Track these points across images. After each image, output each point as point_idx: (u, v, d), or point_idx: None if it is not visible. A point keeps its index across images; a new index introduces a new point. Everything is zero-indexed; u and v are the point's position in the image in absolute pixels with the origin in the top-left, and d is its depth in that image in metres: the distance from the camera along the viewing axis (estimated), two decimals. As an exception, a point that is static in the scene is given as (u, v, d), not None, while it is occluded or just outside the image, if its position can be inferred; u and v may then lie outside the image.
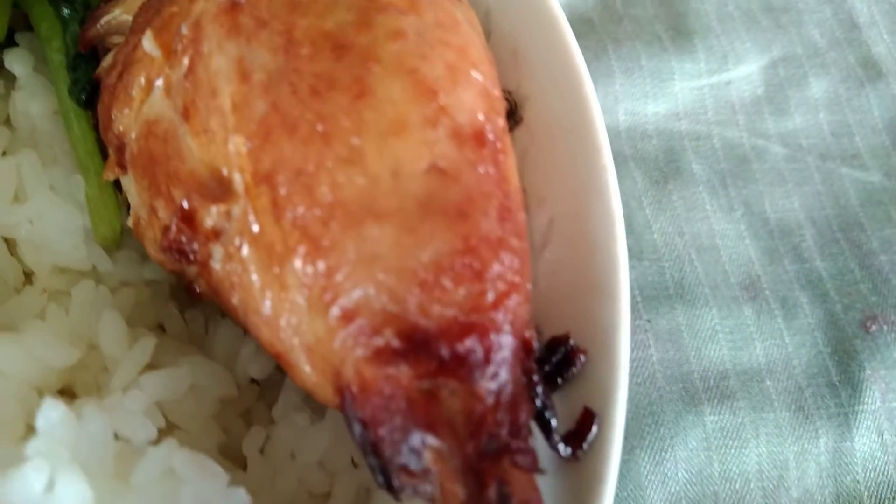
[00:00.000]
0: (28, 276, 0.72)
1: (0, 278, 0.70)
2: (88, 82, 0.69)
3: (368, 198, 0.50)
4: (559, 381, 0.57)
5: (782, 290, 0.99)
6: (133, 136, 0.60)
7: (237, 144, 0.53)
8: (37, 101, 0.73)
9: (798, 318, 0.97)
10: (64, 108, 0.71)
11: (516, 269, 0.52)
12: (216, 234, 0.55)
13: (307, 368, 0.53)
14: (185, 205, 0.55)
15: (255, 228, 0.52)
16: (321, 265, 0.50)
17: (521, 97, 0.68)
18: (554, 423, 0.54)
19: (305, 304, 0.51)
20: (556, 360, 0.57)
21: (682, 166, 1.07)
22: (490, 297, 0.50)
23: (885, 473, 0.91)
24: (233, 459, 0.66)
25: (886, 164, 1.09)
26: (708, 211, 1.04)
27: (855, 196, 1.07)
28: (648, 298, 0.97)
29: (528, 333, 0.52)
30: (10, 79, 0.76)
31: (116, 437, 0.57)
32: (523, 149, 0.66)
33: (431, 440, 0.48)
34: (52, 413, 0.53)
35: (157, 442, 0.58)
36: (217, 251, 0.55)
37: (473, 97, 0.54)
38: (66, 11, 0.75)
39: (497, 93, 0.57)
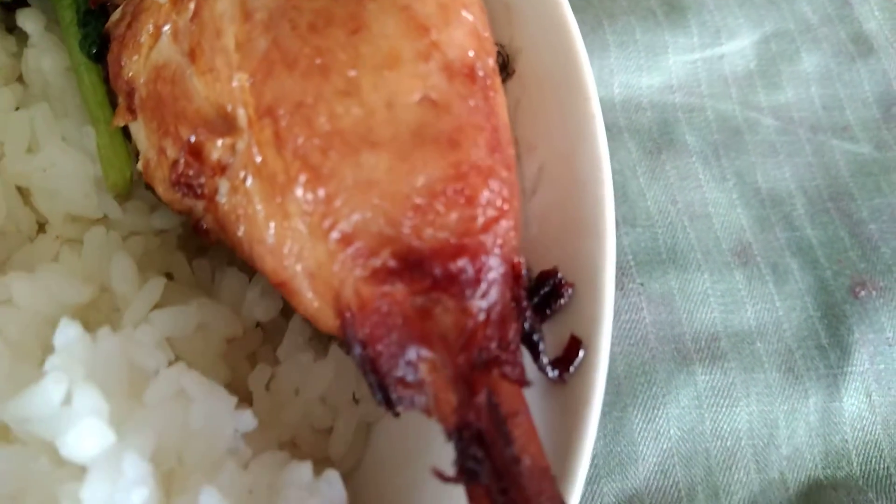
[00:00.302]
0: (41, 227, 0.75)
1: (14, 226, 0.72)
2: (98, 36, 0.71)
3: (365, 127, 0.53)
4: (548, 311, 0.60)
5: (773, 256, 1.01)
6: (142, 80, 0.63)
7: (241, 80, 0.56)
8: (48, 57, 0.76)
9: (788, 283, 0.99)
10: (75, 62, 0.74)
11: (505, 197, 0.54)
12: (222, 169, 0.58)
13: (309, 294, 0.56)
14: (193, 139, 0.58)
15: (259, 160, 0.55)
16: (321, 192, 0.53)
17: (513, 50, 0.71)
18: (542, 345, 0.57)
19: (307, 230, 0.54)
20: (545, 293, 0.60)
21: (676, 137, 1.09)
22: (480, 221, 0.53)
23: (873, 433, 0.93)
24: (239, 397, 0.68)
25: (876, 137, 1.11)
26: (701, 180, 1.06)
27: (845, 167, 1.09)
28: (642, 263, 1.00)
29: (517, 259, 0.55)
30: (23, 38, 0.79)
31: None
32: (515, 99, 0.69)
33: (426, 353, 0.51)
34: (69, 331, 0.56)
35: (167, 369, 0.61)
36: (223, 185, 0.58)
37: (464, 35, 0.57)
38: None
39: (487, 35, 0.60)
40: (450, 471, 0.51)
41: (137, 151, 0.68)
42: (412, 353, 0.51)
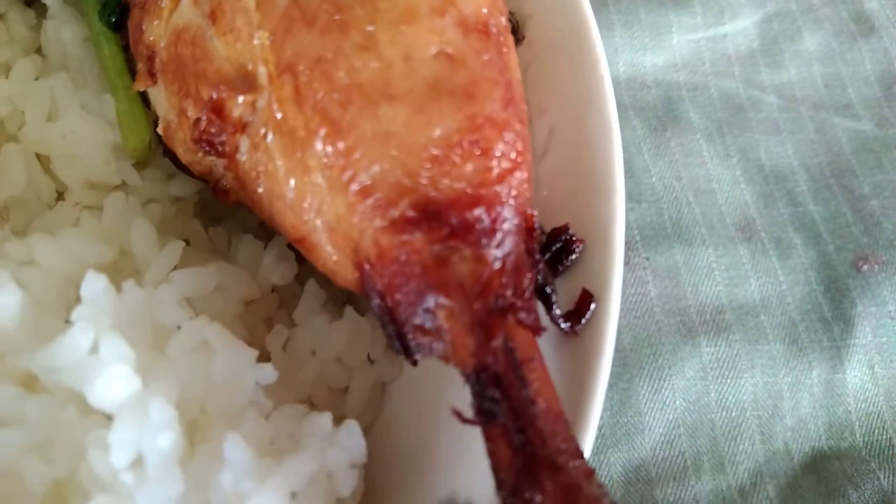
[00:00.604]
0: (60, 195, 0.76)
1: (35, 194, 0.74)
2: (118, 5, 0.73)
3: (382, 81, 0.55)
4: (559, 267, 0.62)
5: (776, 231, 1.02)
6: (163, 44, 0.65)
7: (261, 38, 0.57)
8: (67, 28, 0.77)
9: (792, 257, 1.00)
10: (94, 31, 0.75)
11: (519, 150, 0.56)
12: (243, 126, 0.59)
13: (329, 248, 0.57)
14: (214, 96, 0.59)
15: (279, 116, 0.57)
16: (340, 145, 0.54)
17: (523, 16, 0.72)
18: (555, 298, 0.58)
19: (326, 183, 0.55)
20: (557, 248, 0.62)
21: (680, 115, 1.11)
22: (495, 172, 0.54)
23: (876, 405, 0.94)
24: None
25: (878, 115, 1.13)
26: (705, 157, 1.07)
27: (847, 144, 1.10)
28: (647, 238, 1.01)
29: (530, 211, 0.56)
30: (42, 11, 0.80)
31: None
32: (526, 64, 0.71)
33: (443, 300, 0.52)
34: (95, 283, 0.57)
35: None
36: (244, 143, 0.60)
37: None
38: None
39: (499, -6, 0.61)
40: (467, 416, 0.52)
41: (156, 119, 0.70)
42: (430, 301, 0.53)
